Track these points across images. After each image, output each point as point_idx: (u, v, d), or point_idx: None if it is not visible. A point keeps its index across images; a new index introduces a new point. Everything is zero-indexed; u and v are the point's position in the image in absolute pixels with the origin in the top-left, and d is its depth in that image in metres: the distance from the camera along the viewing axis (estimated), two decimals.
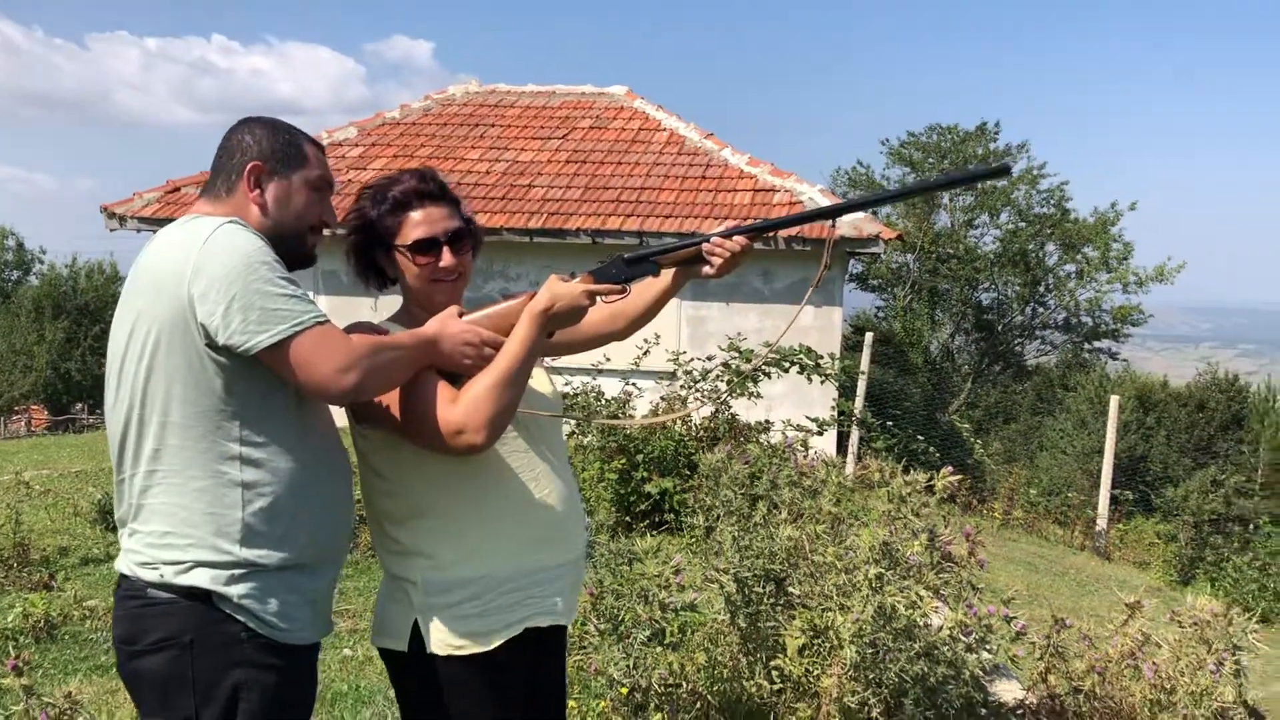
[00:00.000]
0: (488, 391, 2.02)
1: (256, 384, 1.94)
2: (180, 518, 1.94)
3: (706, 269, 2.25)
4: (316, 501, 2.05)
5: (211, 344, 1.88)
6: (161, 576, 1.93)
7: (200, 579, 1.92)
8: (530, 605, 2.16)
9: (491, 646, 2.11)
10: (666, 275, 2.34)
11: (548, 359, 2.50)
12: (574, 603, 2.28)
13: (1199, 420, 23.19)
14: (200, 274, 1.86)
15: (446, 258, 2.19)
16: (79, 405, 34.38)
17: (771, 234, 9.25)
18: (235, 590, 1.94)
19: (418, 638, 2.11)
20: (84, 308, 37.53)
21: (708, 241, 2.22)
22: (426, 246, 2.17)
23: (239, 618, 1.94)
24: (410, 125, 14.53)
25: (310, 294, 1.94)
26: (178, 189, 12.95)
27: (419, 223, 2.18)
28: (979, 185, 28.89)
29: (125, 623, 1.98)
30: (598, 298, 2.16)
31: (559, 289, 2.10)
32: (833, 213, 2.26)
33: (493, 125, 14.55)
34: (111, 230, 12.66)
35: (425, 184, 2.23)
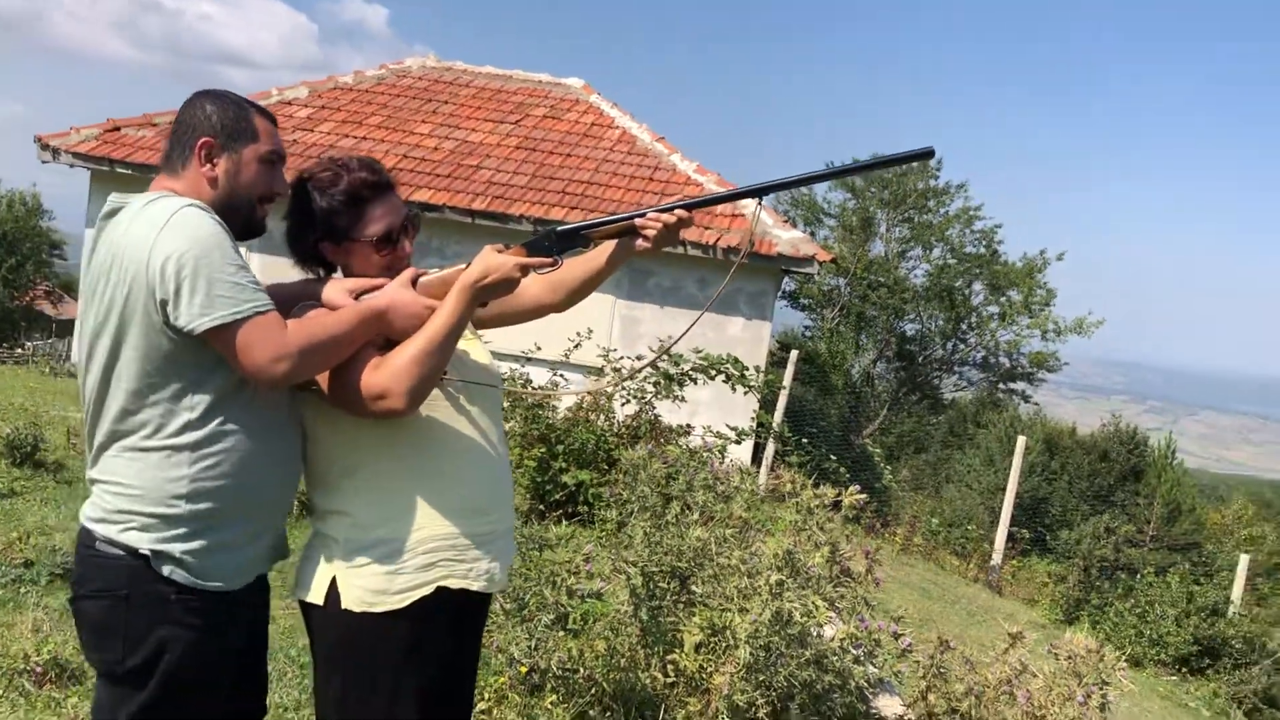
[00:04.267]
0: (412, 359, 2.10)
1: (209, 355, 2.06)
2: (133, 474, 2.07)
3: (641, 242, 2.31)
4: (262, 463, 2.16)
5: (166, 320, 2.00)
6: (107, 532, 2.08)
7: (140, 540, 2.06)
8: (445, 567, 2.22)
9: (404, 605, 2.18)
10: (605, 249, 2.39)
11: (489, 330, 2.57)
12: (496, 575, 2.33)
13: (1100, 469, 23.94)
14: (158, 255, 1.97)
15: (405, 248, 2.30)
16: None
17: (712, 244, 9.33)
18: (174, 548, 2.07)
19: (334, 593, 2.19)
20: (1, 238, 36.28)
21: (642, 216, 2.27)
22: (389, 240, 2.27)
23: (174, 578, 2.07)
24: (363, 92, 14.43)
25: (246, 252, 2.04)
26: (118, 129, 12.69)
27: (378, 217, 2.27)
28: (920, 213, 29.48)
29: (77, 566, 2.16)
30: (530, 270, 2.23)
31: (492, 261, 2.17)
32: (762, 191, 2.31)
33: (446, 102, 14.51)
34: (44, 162, 12.37)
35: (376, 175, 2.30)
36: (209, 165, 2.14)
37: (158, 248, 1.97)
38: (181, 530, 2.07)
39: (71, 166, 12.36)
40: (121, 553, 2.07)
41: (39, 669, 3.22)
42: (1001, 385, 29.80)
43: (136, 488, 2.07)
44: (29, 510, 5.68)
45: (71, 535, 5.23)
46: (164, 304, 1.97)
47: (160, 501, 2.06)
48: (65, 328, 35.69)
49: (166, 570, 2.06)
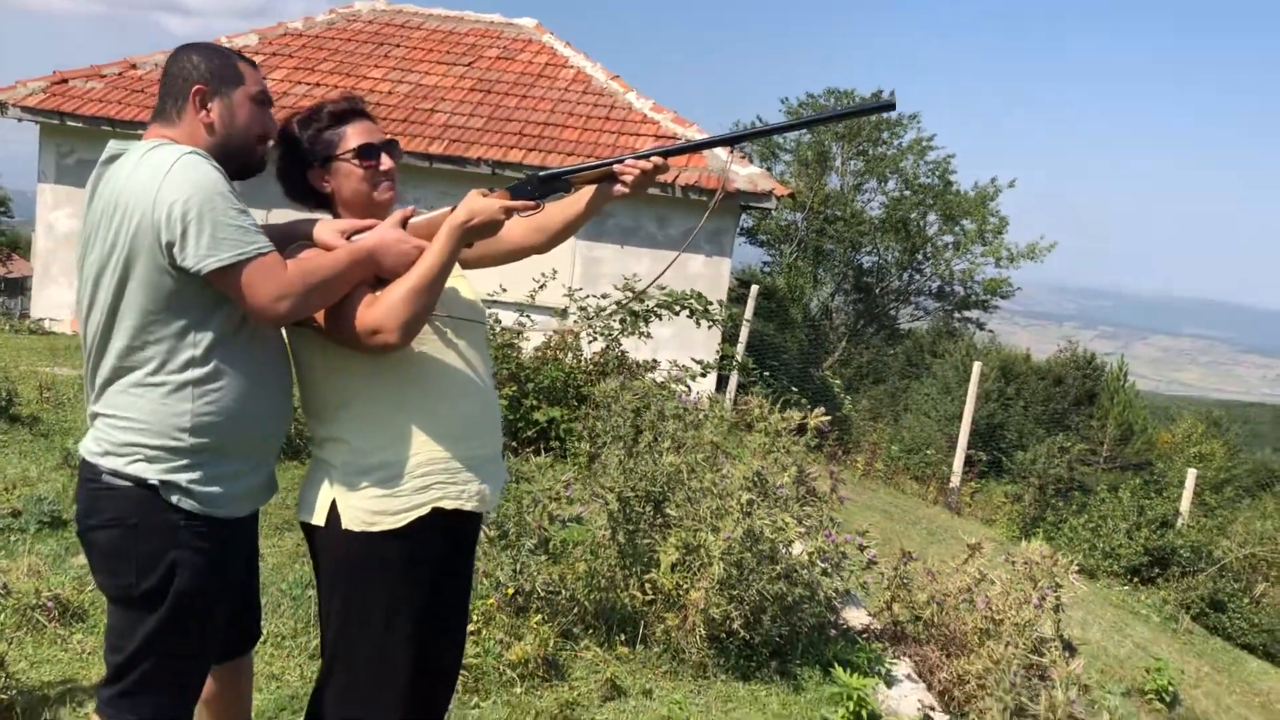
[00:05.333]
0: (404, 296, 2.24)
1: (210, 295, 2.18)
2: (138, 408, 2.19)
3: (619, 187, 2.46)
4: (258, 399, 2.30)
5: (172, 262, 2.11)
6: (114, 465, 2.20)
7: (147, 471, 2.19)
8: (439, 490, 2.38)
9: (401, 525, 2.34)
10: (584, 194, 2.54)
11: (475, 270, 2.70)
12: (488, 496, 2.49)
13: (1055, 394, 24.47)
14: (163, 200, 2.08)
15: (386, 162, 2.43)
16: None
17: (670, 182, 9.44)
18: (180, 478, 2.20)
19: (335, 514, 2.35)
20: None
21: (620, 162, 2.43)
22: (369, 151, 2.40)
23: (182, 505, 2.21)
24: (313, 38, 14.26)
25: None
26: (65, 81, 12.49)
27: (357, 133, 2.42)
28: (874, 145, 29.69)
29: (84, 500, 2.27)
30: (513, 213, 2.37)
31: (477, 204, 2.31)
32: (735, 140, 2.47)
33: (398, 45, 14.38)
34: None
35: (352, 102, 2.47)
36: (204, 111, 2.25)
37: (163, 193, 2.08)
38: (186, 461, 2.20)
39: (20, 121, 12.18)
40: (129, 484, 2.19)
41: (49, 604, 3.37)
42: (956, 314, 30.27)
43: (141, 421, 2.18)
44: (9, 463, 5.76)
45: (54, 485, 5.35)
46: (170, 246, 2.08)
47: (165, 434, 2.18)
48: (15, 286, 35.14)
49: (174, 499, 2.19)
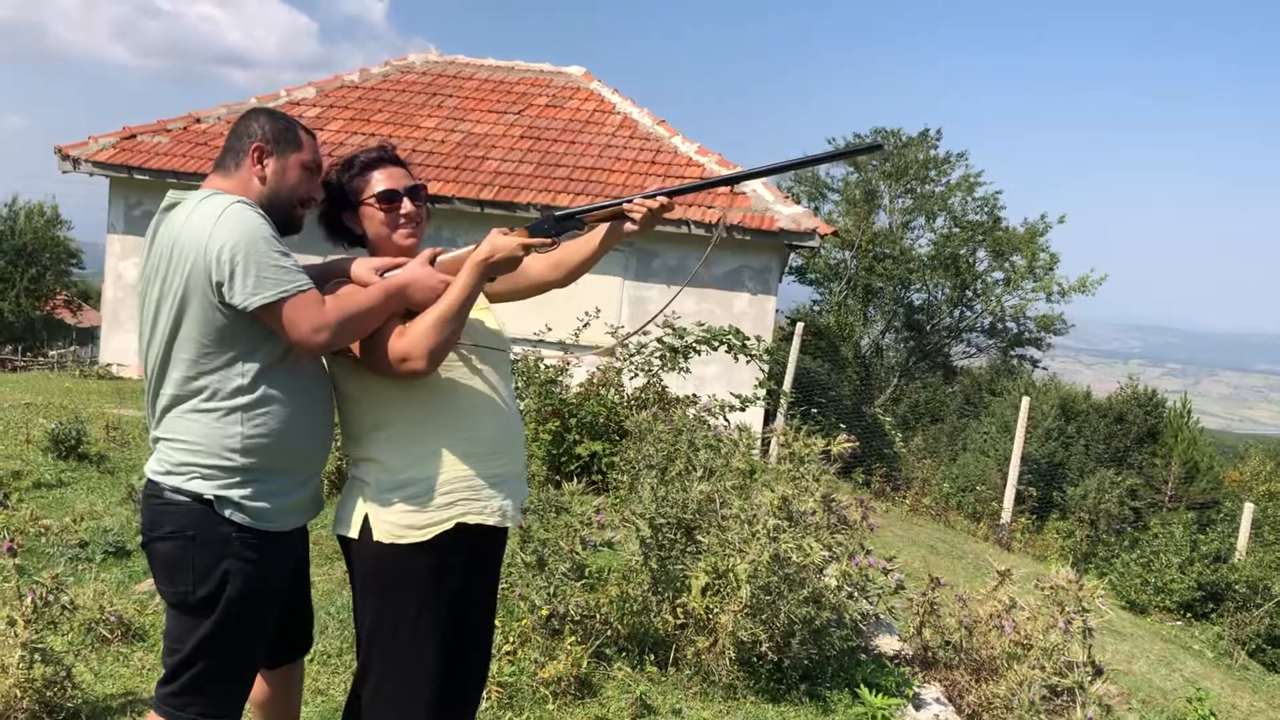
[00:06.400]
0: (430, 327, 2.46)
1: (257, 330, 2.42)
2: (194, 432, 2.44)
3: (629, 225, 2.67)
4: (302, 422, 2.54)
5: (222, 300, 2.36)
6: (174, 482, 2.45)
7: (203, 487, 2.43)
8: (463, 505, 2.58)
9: (427, 538, 2.54)
10: (599, 232, 2.75)
11: (502, 304, 2.92)
12: (510, 512, 2.67)
13: (1117, 431, 24.16)
14: (214, 244, 2.34)
15: (407, 206, 2.66)
16: (8, 347, 33.84)
17: (715, 222, 9.66)
18: (233, 494, 2.44)
19: (367, 528, 2.56)
20: (21, 249, 36.82)
21: (630, 202, 2.64)
22: (390, 196, 2.64)
23: (235, 519, 2.44)
24: (369, 90, 14.77)
25: None
26: (134, 136, 13.08)
27: (382, 179, 2.65)
28: (922, 184, 29.74)
29: (147, 514, 2.51)
30: (531, 250, 2.60)
31: (498, 241, 2.54)
32: (732, 180, 2.69)
33: (450, 96, 14.84)
34: (65, 173, 12.75)
35: (383, 151, 2.72)
36: (259, 166, 2.53)
37: (214, 238, 2.34)
38: (237, 479, 2.44)
39: (91, 175, 12.75)
40: (188, 499, 2.43)
41: (113, 618, 3.62)
42: (1010, 350, 30.09)
43: (197, 444, 2.43)
44: (77, 497, 6.07)
45: (119, 519, 5.64)
46: (220, 285, 2.34)
47: (218, 455, 2.42)
48: (86, 335, 36.27)
49: (228, 513, 2.43)
